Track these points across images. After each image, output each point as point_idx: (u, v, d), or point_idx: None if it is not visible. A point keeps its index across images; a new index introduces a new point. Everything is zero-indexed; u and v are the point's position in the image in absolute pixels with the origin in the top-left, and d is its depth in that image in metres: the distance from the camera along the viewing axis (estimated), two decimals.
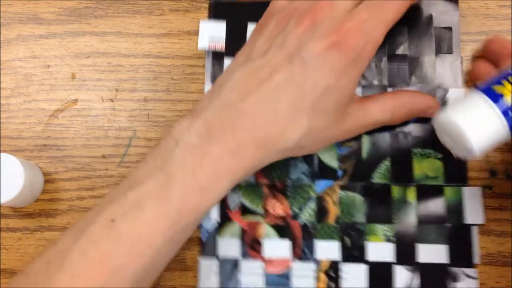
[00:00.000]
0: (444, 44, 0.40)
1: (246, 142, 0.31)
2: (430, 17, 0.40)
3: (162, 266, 0.33)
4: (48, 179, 0.40)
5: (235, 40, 0.41)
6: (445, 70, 0.39)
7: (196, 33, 0.41)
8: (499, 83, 0.30)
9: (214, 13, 0.41)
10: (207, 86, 0.40)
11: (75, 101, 0.41)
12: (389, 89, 0.39)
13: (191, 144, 0.31)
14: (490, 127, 0.29)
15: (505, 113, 0.29)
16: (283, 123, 0.32)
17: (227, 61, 0.40)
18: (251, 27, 0.41)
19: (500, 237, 0.38)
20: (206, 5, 0.42)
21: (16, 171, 0.37)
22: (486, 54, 0.38)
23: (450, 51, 0.39)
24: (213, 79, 0.40)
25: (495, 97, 0.30)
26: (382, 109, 0.35)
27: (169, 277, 0.39)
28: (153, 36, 0.42)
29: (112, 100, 0.41)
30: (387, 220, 0.38)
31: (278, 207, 0.39)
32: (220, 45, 0.41)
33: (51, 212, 0.40)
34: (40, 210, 0.40)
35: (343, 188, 0.39)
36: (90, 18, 0.42)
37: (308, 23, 0.32)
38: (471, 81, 0.39)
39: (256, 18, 0.40)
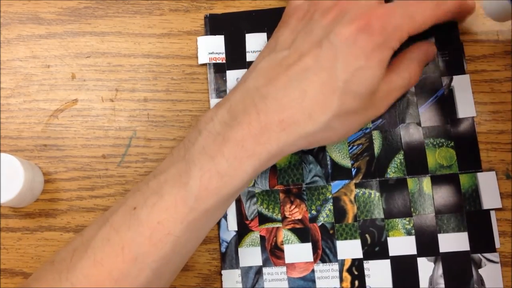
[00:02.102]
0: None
1: (271, 125, 0.31)
2: None
3: (183, 257, 0.33)
4: (48, 179, 0.40)
5: (235, 52, 0.41)
6: (447, 58, 0.39)
7: (196, 33, 0.41)
8: None
9: (211, 27, 0.41)
10: (212, 101, 0.40)
11: (75, 101, 0.41)
12: None
13: (214, 132, 0.31)
14: None
15: None
16: (311, 105, 0.31)
17: (229, 73, 0.40)
18: (249, 37, 0.41)
19: (500, 237, 0.38)
20: (206, 5, 0.42)
21: (16, 171, 0.36)
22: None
23: (450, 40, 0.39)
24: (217, 92, 0.40)
25: None
26: (401, 76, 0.36)
27: None
28: (153, 36, 0.42)
29: (112, 100, 0.41)
30: (405, 213, 0.38)
31: (295, 211, 0.39)
32: (220, 58, 0.41)
33: (51, 212, 0.40)
34: (40, 210, 0.40)
35: (358, 186, 0.39)
36: (90, 18, 0.42)
37: (336, 12, 0.33)
38: None
39: (253, 27, 0.41)
